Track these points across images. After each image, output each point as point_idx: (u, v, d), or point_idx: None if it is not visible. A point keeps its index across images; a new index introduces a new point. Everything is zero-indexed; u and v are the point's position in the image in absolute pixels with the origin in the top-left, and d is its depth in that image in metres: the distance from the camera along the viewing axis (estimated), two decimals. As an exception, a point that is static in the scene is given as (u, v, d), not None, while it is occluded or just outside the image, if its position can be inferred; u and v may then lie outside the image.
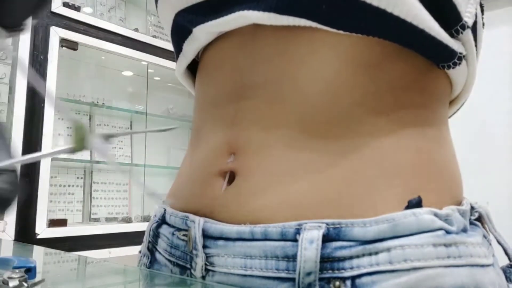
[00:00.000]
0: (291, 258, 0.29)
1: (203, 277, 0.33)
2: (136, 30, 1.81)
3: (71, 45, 1.54)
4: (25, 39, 1.40)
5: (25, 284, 0.29)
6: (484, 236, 0.31)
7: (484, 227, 0.32)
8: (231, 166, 0.33)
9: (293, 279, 0.29)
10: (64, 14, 1.53)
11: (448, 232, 0.28)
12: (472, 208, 0.32)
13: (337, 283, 0.27)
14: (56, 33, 1.48)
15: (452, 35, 0.31)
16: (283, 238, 0.29)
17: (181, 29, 0.38)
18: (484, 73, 0.38)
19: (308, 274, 0.28)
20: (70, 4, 1.56)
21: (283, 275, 0.29)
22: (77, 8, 1.58)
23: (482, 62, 0.36)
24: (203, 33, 0.36)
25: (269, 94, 0.33)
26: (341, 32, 0.30)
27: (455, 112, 0.41)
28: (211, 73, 0.38)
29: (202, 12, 0.35)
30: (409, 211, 0.28)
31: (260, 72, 0.33)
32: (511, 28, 1.95)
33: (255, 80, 0.34)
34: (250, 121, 0.33)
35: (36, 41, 1.43)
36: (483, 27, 0.35)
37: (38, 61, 1.43)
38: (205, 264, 0.33)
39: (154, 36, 1.90)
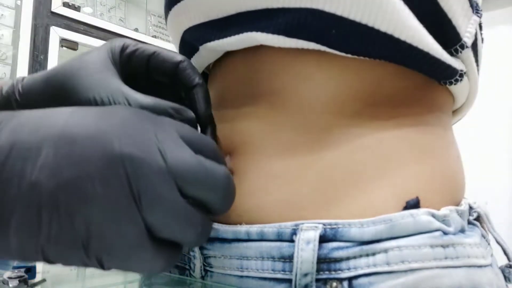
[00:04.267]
0: (288, 259, 0.29)
1: (202, 278, 0.33)
2: (136, 30, 1.81)
3: (71, 45, 1.54)
4: (25, 39, 1.40)
5: (25, 284, 0.29)
6: (483, 236, 0.31)
7: (482, 227, 0.32)
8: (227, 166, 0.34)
9: (289, 280, 0.29)
10: (64, 14, 1.53)
11: (445, 233, 0.28)
12: (471, 208, 0.32)
13: (334, 284, 0.27)
14: (56, 33, 1.48)
15: (451, 54, 0.31)
16: (279, 238, 0.29)
17: (188, 46, 0.39)
18: (484, 73, 0.38)
19: (305, 275, 0.28)
20: (70, 4, 1.56)
21: (279, 276, 0.29)
22: (77, 8, 1.58)
23: (482, 62, 0.37)
24: (209, 51, 0.36)
25: (269, 101, 0.33)
26: (349, 55, 0.30)
27: (458, 120, 0.41)
28: (215, 84, 0.39)
29: (209, 31, 0.35)
30: (406, 212, 0.28)
31: (262, 84, 0.33)
32: (511, 28, 1.95)
33: (257, 90, 0.34)
34: (247, 124, 0.33)
35: (36, 41, 1.43)
36: (482, 42, 0.35)
37: (38, 61, 1.43)
38: (203, 265, 0.33)
39: (154, 36, 1.90)
